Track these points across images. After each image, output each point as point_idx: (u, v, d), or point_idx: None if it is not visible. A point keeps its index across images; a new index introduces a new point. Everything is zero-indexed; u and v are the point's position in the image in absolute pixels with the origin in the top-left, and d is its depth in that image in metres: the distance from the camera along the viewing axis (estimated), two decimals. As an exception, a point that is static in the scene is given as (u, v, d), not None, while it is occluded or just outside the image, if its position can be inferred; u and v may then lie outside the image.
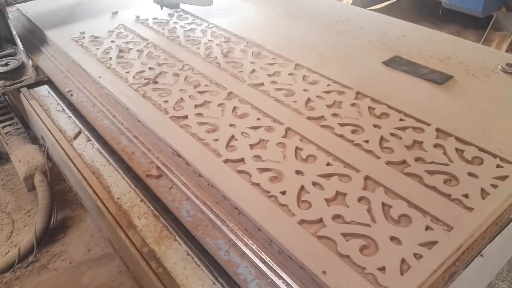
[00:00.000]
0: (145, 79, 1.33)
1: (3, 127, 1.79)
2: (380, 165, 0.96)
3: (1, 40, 1.60)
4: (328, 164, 0.97)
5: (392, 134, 1.05)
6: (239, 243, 0.88)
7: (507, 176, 0.92)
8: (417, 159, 0.97)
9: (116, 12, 1.83)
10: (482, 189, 0.89)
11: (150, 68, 1.39)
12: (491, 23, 2.68)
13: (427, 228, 0.81)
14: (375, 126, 1.08)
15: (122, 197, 1.11)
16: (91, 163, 1.22)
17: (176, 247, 0.97)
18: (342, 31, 1.57)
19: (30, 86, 1.57)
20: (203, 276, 0.90)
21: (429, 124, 1.07)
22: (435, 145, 1.01)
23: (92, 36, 1.63)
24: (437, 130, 1.06)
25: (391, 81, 1.25)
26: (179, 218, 0.98)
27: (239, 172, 0.97)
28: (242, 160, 1.00)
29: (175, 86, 1.29)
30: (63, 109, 1.44)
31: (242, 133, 1.08)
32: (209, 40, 1.55)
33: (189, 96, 1.24)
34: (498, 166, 0.95)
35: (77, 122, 1.34)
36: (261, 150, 1.03)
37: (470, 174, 0.92)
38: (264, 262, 0.83)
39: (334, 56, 1.41)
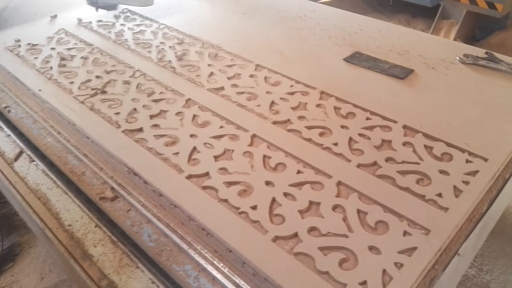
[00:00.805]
0: (92, 89, 1.21)
1: None
2: (351, 169, 0.92)
3: None
4: (298, 172, 0.92)
5: (360, 135, 1.01)
6: (209, 267, 0.80)
7: (477, 171, 0.91)
8: (388, 160, 0.94)
9: (55, 16, 1.68)
10: (455, 187, 0.87)
11: (97, 77, 1.28)
12: (439, 12, 2.75)
13: (405, 233, 0.78)
14: (342, 127, 1.04)
15: (73, 223, 1.00)
16: (36, 187, 1.10)
17: (139, 276, 0.88)
18: (301, 27, 1.52)
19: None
20: (172, 305, 0.82)
21: (395, 122, 1.05)
22: (404, 143, 0.98)
23: (29, 43, 1.48)
24: (404, 127, 1.03)
25: (354, 79, 1.22)
26: (139, 244, 0.89)
27: (204, 188, 0.90)
28: (207, 174, 0.92)
29: (126, 95, 1.19)
30: (0, 127, 1.29)
31: (204, 144, 1.01)
32: (161, 43, 1.45)
33: (143, 106, 1.14)
34: (467, 161, 0.93)
35: (18, 141, 1.20)
36: (227, 161, 0.96)
37: (441, 172, 0.90)
38: (237, 286, 0.77)
39: (294, 54, 1.36)
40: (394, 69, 1.24)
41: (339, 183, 0.89)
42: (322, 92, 1.17)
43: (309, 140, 1.01)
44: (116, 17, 1.66)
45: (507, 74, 1.24)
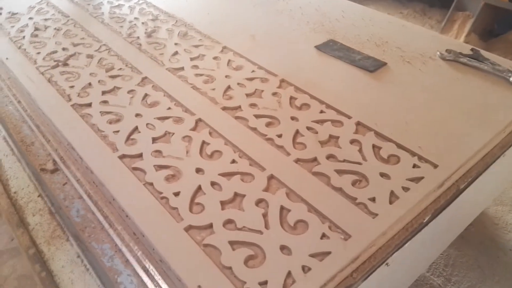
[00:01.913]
0: (55, 61, 1.21)
1: None
2: (288, 163, 0.88)
3: None
4: (233, 161, 0.89)
5: (308, 128, 0.97)
6: (124, 249, 0.79)
7: (422, 178, 0.85)
8: (329, 157, 0.89)
9: (42, -16, 1.68)
10: (392, 192, 0.82)
11: (64, 49, 1.27)
12: (454, 3, 2.59)
13: (323, 236, 0.74)
14: (292, 118, 1.00)
15: (19, 191, 1.01)
16: (-7, 153, 1.11)
17: (67, 249, 0.88)
18: (281, 10, 1.46)
19: None
20: (91, 281, 0.82)
21: (350, 117, 0.99)
22: (352, 141, 0.93)
23: (9, 12, 1.48)
24: (358, 124, 0.98)
25: (319, 68, 1.16)
26: (69, 218, 0.89)
27: (134, 169, 0.88)
28: (140, 155, 0.90)
29: (86, 69, 1.18)
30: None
31: (147, 124, 0.99)
32: (135, 18, 1.43)
33: (99, 81, 1.13)
34: (414, 165, 0.88)
35: (-19, 107, 1.21)
36: (164, 144, 0.93)
37: (382, 175, 0.85)
38: (146, 271, 0.75)
39: (266, 38, 1.31)
40: (366, 60, 1.17)
41: (271, 177, 0.85)
42: (282, 80, 1.12)
43: (254, 129, 0.97)
44: (99, -11, 1.64)
45: (488, 74, 1.15)
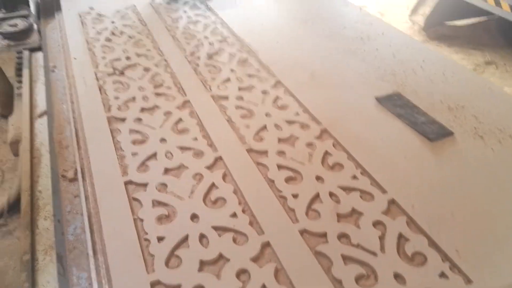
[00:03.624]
0: (114, 68, 1.24)
1: (17, 88, 1.85)
2: (291, 232, 0.76)
3: (17, 1, 1.62)
4: (233, 215, 0.80)
5: (331, 194, 0.84)
6: (96, 285, 0.76)
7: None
8: (342, 236, 0.76)
9: (137, -9, 1.77)
10: (402, 302, 0.66)
11: (127, 58, 1.30)
12: None
13: None
14: (318, 178, 0.87)
15: (44, 191, 1.01)
16: (39, 146, 1.18)
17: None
18: (354, 50, 1.33)
19: (33, 50, 1.57)
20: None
21: (384, 191, 0.84)
22: (376, 223, 0.78)
23: (98, 13, 1.58)
24: (391, 202, 0.82)
25: (371, 124, 1.02)
26: (63, 234, 0.87)
27: (133, 199, 0.84)
28: (145, 185, 0.87)
29: (137, 82, 1.19)
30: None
31: (167, 152, 0.95)
32: (204, 37, 1.41)
33: (143, 97, 1.12)
34: (442, 274, 0.70)
35: (44, 101, 1.30)
36: (173, 178, 0.88)
37: (397, 276, 0.70)
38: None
39: (326, 78, 1.19)
40: (429, 125, 0.99)
41: (266, 244, 0.75)
42: (324, 130, 1.00)
43: (271, 182, 0.87)
44: (184, 3, 1.67)
45: None
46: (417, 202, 0.81)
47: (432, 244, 0.74)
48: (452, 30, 3.11)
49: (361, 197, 0.83)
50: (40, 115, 1.30)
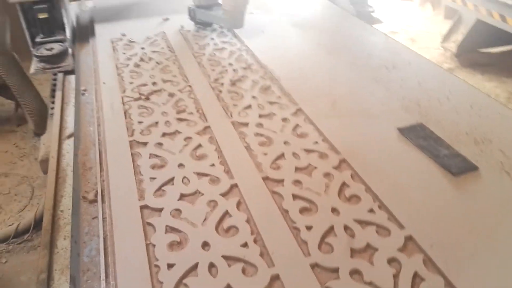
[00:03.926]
0: (140, 93, 1.28)
1: (51, 108, 1.93)
2: (302, 266, 0.74)
3: (55, 26, 1.71)
4: (244, 245, 0.79)
5: (346, 228, 0.82)
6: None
7: None
8: (354, 273, 0.73)
9: (167, 19, 1.83)
10: None
11: (153, 83, 1.34)
12: None
13: None
14: (333, 210, 0.86)
15: (66, 210, 1.02)
16: (65, 166, 1.22)
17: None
18: (378, 79, 1.31)
19: (67, 73, 1.64)
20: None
21: (402, 227, 0.81)
22: (391, 260, 0.75)
23: (129, 40, 1.64)
24: (409, 238, 0.79)
25: (392, 156, 0.99)
26: (78, 255, 0.89)
27: (147, 224, 0.85)
28: (160, 210, 0.87)
29: (161, 107, 1.22)
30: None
31: (184, 178, 0.96)
32: (229, 64, 1.44)
33: (165, 122, 1.15)
34: None
35: (72, 124, 1.35)
36: (188, 204, 0.89)
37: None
38: None
39: (347, 107, 1.18)
40: (452, 159, 0.96)
41: (276, 277, 0.73)
42: (343, 161, 0.98)
43: (285, 212, 0.86)
44: (212, 30, 1.71)
45: None
46: (436, 240, 0.78)
47: (449, 285, 0.70)
48: (485, 57, 3.03)
49: (377, 232, 0.81)
50: (69, 136, 1.35)
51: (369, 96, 1.23)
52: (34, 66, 1.62)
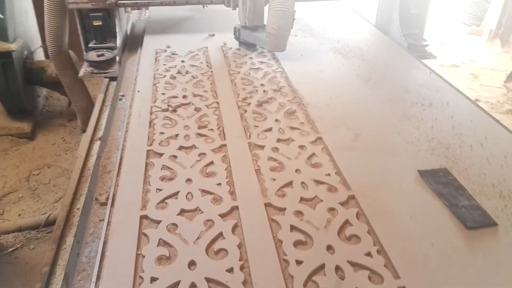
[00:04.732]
0: (168, 105, 1.32)
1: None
2: (284, 302, 0.72)
3: (107, 34, 1.82)
4: (230, 270, 0.78)
5: (337, 269, 0.78)
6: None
7: None
8: (336, 319, 0.69)
9: (213, 35, 1.88)
10: None
11: (184, 96, 1.38)
12: None
13: None
14: (329, 248, 0.82)
15: (82, 208, 1.12)
16: (91, 167, 1.28)
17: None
18: (411, 116, 1.25)
19: (112, 79, 1.73)
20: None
21: (397, 277, 0.75)
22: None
23: (172, 52, 1.71)
24: (403, 291, 0.74)
25: (405, 199, 0.93)
26: (78, 255, 0.93)
27: (143, 234, 0.87)
28: (158, 222, 0.89)
29: (185, 120, 1.24)
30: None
31: (188, 193, 0.97)
32: (261, 84, 1.45)
33: (184, 136, 1.17)
34: None
35: (103, 126, 1.41)
36: (186, 220, 0.89)
37: None
38: None
39: (370, 143, 1.14)
40: (470, 211, 0.89)
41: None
42: (351, 197, 0.94)
43: (279, 242, 0.84)
44: (252, 50, 1.73)
45: None
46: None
47: None
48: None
49: (369, 278, 0.76)
50: (100, 138, 1.42)
51: (395, 133, 1.18)
52: (83, 69, 1.73)
